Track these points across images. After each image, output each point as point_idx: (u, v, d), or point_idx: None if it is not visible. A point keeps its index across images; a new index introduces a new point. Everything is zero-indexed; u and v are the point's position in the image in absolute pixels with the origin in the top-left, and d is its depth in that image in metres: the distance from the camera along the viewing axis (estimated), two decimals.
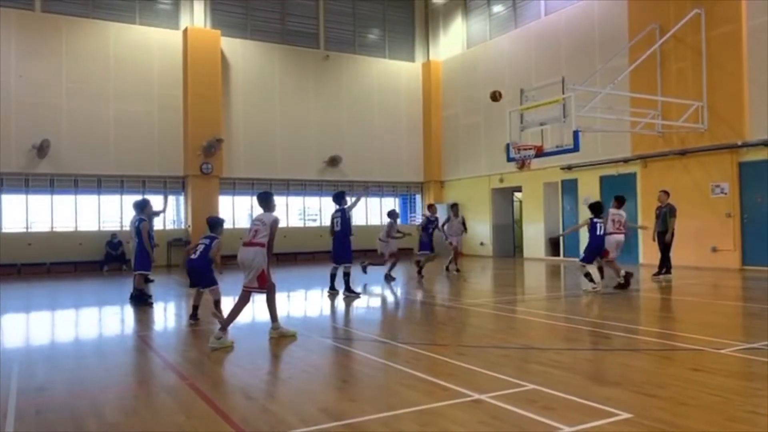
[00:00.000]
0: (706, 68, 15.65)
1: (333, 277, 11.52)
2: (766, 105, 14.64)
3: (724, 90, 15.33)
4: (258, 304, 11.87)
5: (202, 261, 8.06)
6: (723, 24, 15.35)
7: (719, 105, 15.42)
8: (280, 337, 7.27)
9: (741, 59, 15.06)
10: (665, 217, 13.17)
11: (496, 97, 14.59)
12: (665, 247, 13.25)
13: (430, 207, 15.72)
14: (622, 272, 11.30)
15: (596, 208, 11.59)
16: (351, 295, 10.96)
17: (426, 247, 14.73)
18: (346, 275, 11.01)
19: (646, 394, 4.72)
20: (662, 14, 16.49)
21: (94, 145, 19.82)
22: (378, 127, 24.78)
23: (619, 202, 12.38)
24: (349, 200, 11.45)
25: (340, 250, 11.03)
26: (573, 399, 4.56)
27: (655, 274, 13.31)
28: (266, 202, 7.43)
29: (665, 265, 13.29)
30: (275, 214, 7.44)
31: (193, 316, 8.57)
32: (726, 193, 15.41)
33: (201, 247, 8.10)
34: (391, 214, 14.33)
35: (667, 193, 13.49)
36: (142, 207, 11.18)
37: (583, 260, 11.49)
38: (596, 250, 11.44)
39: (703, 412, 4.29)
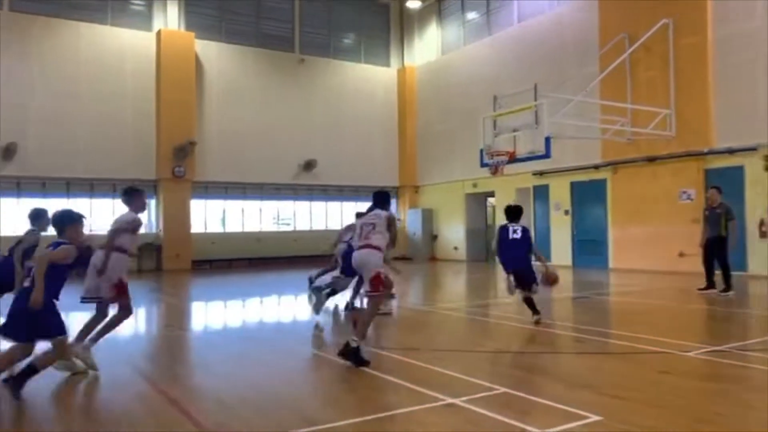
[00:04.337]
0: (674, 77, 16.00)
1: None
2: (731, 113, 15.03)
3: (691, 98, 15.70)
4: (230, 311, 11.78)
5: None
6: (690, 34, 15.72)
7: (686, 113, 15.78)
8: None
9: (707, 69, 15.44)
10: (719, 219, 10.92)
11: None
12: (724, 256, 10.98)
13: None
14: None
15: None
16: None
17: None
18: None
19: (616, 396, 4.81)
20: (632, 24, 16.82)
21: (63, 147, 19.42)
22: (353, 132, 24.76)
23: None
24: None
25: None
26: (545, 402, 4.62)
27: (722, 291, 10.96)
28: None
29: (726, 277, 10.95)
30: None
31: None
32: (693, 199, 15.75)
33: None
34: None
35: (719, 191, 11.28)
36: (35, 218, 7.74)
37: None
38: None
39: (671, 414, 4.38)
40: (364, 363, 5.81)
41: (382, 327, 9.02)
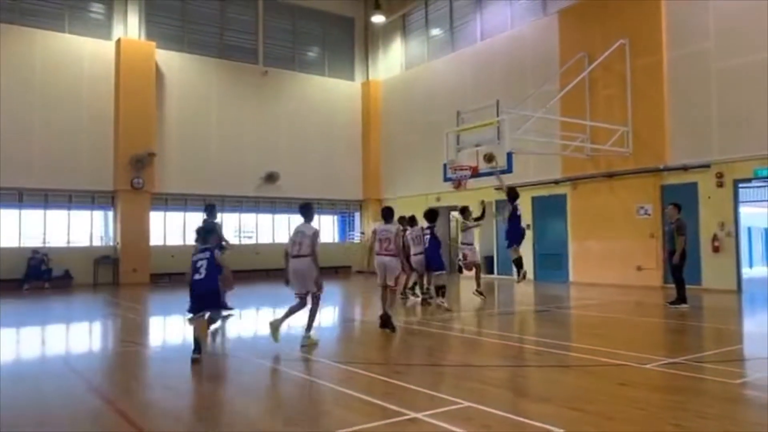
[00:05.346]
0: (630, 95, 16.46)
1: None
2: (685, 131, 15.52)
3: (647, 116, 16.15)
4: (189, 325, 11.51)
5: (212, 280, 7.04)
6: (646, 54, 16.21)
7: (643, 130, 16.22)
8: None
9: (662, 88, 15.92)
10: (673, 234, 11.33)
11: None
12: (673, 270, 11.39)
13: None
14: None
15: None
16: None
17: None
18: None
19: (576, 409, 4.85)
20: (590, 44, 17.27)
21: (16, 156, 18.76)
22: (317, 145, 24.69)
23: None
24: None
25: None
26: (507, 416, 4.63)
27: (670, 303, 11.40)
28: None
29: (679, 292, 11.25)
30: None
31: (197, 350, 7.00)
32: (649, 215, 16.15)
33: (204, 264, 7.01)
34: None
35: (677, 207, 11.54)
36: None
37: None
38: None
39: (629, 426, 4.44)
40: (391, 328, 8.85)
41: (346, 342, 8.96)
